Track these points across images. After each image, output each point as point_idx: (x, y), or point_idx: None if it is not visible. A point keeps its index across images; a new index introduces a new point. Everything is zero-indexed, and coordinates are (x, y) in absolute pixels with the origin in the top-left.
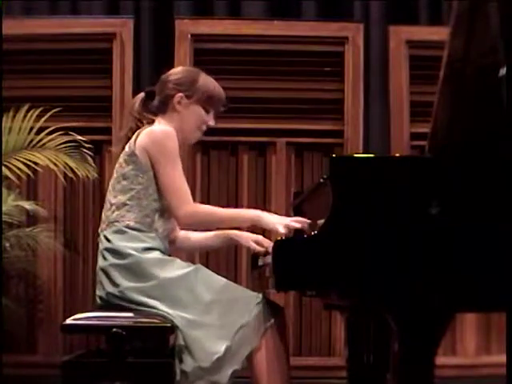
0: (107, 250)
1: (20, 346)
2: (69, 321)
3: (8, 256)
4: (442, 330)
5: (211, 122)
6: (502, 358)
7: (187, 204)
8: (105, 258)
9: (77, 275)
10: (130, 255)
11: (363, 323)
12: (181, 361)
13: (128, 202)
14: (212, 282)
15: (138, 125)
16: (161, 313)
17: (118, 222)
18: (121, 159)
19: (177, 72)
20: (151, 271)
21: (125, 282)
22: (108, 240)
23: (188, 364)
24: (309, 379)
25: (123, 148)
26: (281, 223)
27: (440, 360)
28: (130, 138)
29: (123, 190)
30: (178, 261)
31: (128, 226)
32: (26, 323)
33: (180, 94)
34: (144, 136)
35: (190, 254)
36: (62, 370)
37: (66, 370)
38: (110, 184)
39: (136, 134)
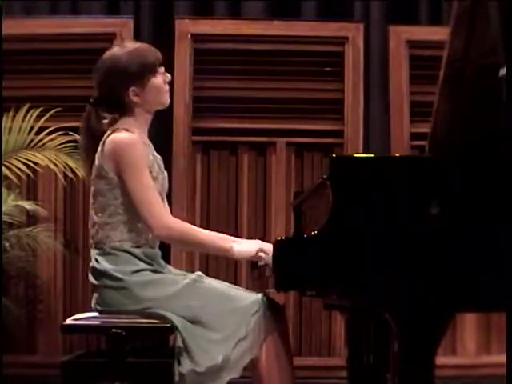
0: (96, 270)
1: (20, 346)
2: (69, 321)
3: (8, 256)
4: (442, 330)
5: (167, 77)
6: (502, 358)
7: (160, 217)
8: (95, 278)
9: (77, 275)
10: (118, 279)
11: (363, 323)
12: (178, 363)
13: (109, 221)
14: (207, 295)
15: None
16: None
17: (103, 243)
18: (93, 175)
19: (105, 70)
20: (143, 294)
21: (117, 305)
22: (97, 261)
23: (185, 366)
24: (309, 379)
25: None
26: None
27: (440, 360)
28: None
29: (101, 208)
30: (171, 276)
31: (114, 248)
32: (26, 323)
33: (132, 89)
34: (108, 146)
35: (191, 254)
36: (62, 369)
37: (66, 370)
38: (90, 199)
39: (101, 142)
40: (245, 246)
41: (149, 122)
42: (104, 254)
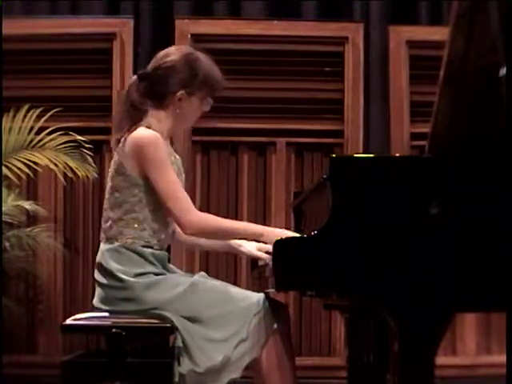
0: (102, 267)
1: (20, 346)
2: (69, 321)
3: (8, 256)
4: (442, 330)
5: (206, 110)
6: (502, 358)
7: (191, 211)
8: (100, 274)
9: (77, 275)
10: (121, 280)
11: (363, 323)
12: (178, 363)
13: (124, 217)
14: (209, 295)
15: (134, 119)
16: (161, 313)
17: (115, 239)
18: (111, 169)
19: (176, 65)
20: (145, 296)
21: (118, 305)
22: (104, 257)
23: (184, 367)
24: (309, 379)
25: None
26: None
27: (440, 360)
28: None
29: (117, 203)
30: (173, 277)
31: (125, 246)
32: (26, 323)
33: (182, 92)
34: (129, 144)
35: (191, 254)
36: (62, 370)
37: (65, 370)
38: (106, 193)
39: (122, 140)
40: (276, 230)
41: (169, 133)
42: (113, 250)
